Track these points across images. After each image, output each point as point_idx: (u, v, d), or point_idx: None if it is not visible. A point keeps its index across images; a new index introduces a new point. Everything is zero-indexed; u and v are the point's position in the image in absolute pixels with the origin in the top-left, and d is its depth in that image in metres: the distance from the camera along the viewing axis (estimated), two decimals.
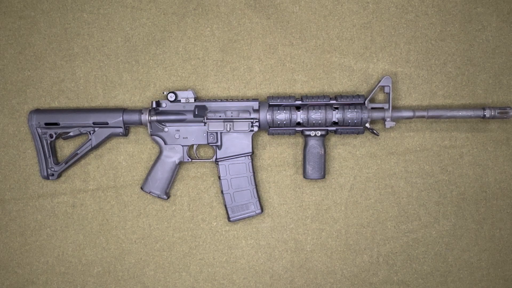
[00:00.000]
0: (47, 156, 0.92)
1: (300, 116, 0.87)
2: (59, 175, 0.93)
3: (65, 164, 0.92)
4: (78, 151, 0.92)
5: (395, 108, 0.89)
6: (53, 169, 0.92)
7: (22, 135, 0.95)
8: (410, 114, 0.87)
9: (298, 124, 0.88)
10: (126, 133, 0.91)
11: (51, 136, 0.91)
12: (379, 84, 0.88)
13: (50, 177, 0.92)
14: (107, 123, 0.90)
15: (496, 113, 0.87)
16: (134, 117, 0.89)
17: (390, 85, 0.88)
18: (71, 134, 0.91)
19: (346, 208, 0.95)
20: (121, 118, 0.89)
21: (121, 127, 0.90)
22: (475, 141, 0.94)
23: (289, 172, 0.95)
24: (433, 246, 0.95)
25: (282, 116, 0.87)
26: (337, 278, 0.94)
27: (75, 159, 0.92)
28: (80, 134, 0.91)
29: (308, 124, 0.87)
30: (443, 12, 0.93)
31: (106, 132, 0.91)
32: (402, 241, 0.95)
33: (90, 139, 0.91)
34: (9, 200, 0.96)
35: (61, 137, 0.92)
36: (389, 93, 0.88)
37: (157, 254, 0.95)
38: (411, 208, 0.95)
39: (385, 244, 0.95)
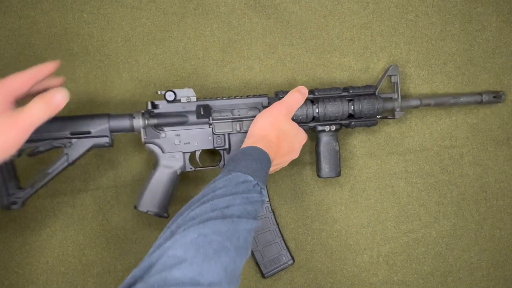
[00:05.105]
0: (7, 179, 0.72)
1: (315, 110, 0.81)
2: (24, 203, 0.75)
3: (32, 188, 0.74)
4: (50, 170, 0.74)
5: (403, 98, 0.88)
6: (14, 196, 0.72)
7: None
8: (417, 102, 0.87)
9: (313, 118, 0.83)
10: (112, 143, 0.77)
11: None
12: (387, 74, 0.86)
13: (13, 206, 0.73)
14: (89, 132, 0.74)
15: (491, 98, 0.89)
16: (124, 122, 0.76)
17: (398, 74, 0.86)
18: (40, 149, 0.72)
19: (346, 208, 0.95)
20: (106, 125, 0.74)
21: (106, 136, 0.75)
22: (475, 141, 0.94)
23: (289, 172, 0.95)
24: (433, 246, 0.95)
25: (297, 111, 0.80)
26: (337, 278, 0.94)
27: (45, 180, 0.74)
28: (52, 148, 0.73)
29: (324, 118, 0.82)
30: (443, 12, 0.93)
31: (87, 143, 0.74)
32: (402, 241, 0.95)
33: (66, 154, 0.73)
34: None
35: (26, 153, 0.73)
36: (396, 82, 0.86)
37: None
38: (411, 208, 0.95)
39: (385, 244, 0.95)
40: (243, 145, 0.72)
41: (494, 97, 0.89)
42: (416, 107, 0.88)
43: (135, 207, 0.81)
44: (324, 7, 0.93)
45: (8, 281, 0.97)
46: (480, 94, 0.89)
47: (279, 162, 0.76)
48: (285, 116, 0.76)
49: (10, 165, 0.73)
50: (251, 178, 0.62)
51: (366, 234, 0.95)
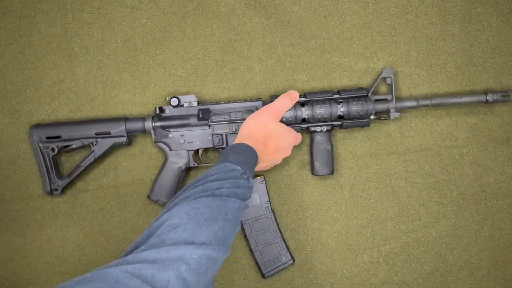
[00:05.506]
0: (50, 171, 0.91)
1: (305, 112, 0.86)
2: (63, 190, 0.92)
3: (68, 178, 0.91)
4: (81, 164, 0.91)
5: (398, 99, 0.89)
6: (56, 184, 0.91)
7: (21, 135, 0.95)
8: (413, 103, 0.88)
9: (304, 120, 0.88)
10: (129, 142, 0.91)
11: (53, 150, 0.89)
12: (381, 76, 0.88)
13: (54, 192, 0.91)
14: (109, 133, 0.89)
15: (498, 97, 0.87)
16: (137, 125, 0.89)
17: (392, 76, 0.88)
18: (73, 146, 0.89)
19: (346, 208, 0.95)
20: (123, 127, 0.89)
21: (124, 136, 0.89)
22: (475, 141, 0.94)
23: (289, 172, 0.95)
24: (433, 246, 0.95)
25: (287, 113, 0.86)
26: (337, 278, 0.94)
27: (78, 171, 0.91)
28: (83, 146, 0.90)
29: (313, 119, 0.87)
30: (443, 12, 0.93)
31: (109, 142, 0.90)
32: (402, 241, 0.95)
33: (93, 150, 0.90)
34: (9, 200, 0.96)
35: (63, 150, 0.91)
36: (391, 84, 0.88)
37: None
38: (411, 208, 0.95)
39: (385, 244, 0.95)
40: (233, 143, 0.78)
41: (502, 96, 0.87)
42: (413, 107, 0.89)
43: (148, 197, 0.91)
44: (324, 7, 0.93)
45: (8, 281, 0.97)
46: (485, 93, 0.87)
47: (269, 159, 0.82)
48: (272, 117, 0.82)
49: (52, 160, 0.90)
50: (239, 167, 0.69)
51: (366, 234, 0.95)
